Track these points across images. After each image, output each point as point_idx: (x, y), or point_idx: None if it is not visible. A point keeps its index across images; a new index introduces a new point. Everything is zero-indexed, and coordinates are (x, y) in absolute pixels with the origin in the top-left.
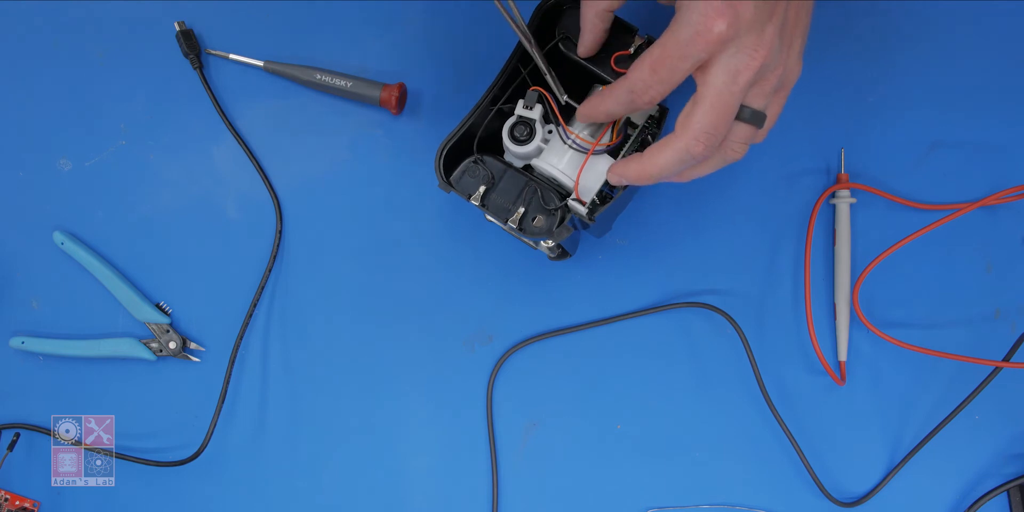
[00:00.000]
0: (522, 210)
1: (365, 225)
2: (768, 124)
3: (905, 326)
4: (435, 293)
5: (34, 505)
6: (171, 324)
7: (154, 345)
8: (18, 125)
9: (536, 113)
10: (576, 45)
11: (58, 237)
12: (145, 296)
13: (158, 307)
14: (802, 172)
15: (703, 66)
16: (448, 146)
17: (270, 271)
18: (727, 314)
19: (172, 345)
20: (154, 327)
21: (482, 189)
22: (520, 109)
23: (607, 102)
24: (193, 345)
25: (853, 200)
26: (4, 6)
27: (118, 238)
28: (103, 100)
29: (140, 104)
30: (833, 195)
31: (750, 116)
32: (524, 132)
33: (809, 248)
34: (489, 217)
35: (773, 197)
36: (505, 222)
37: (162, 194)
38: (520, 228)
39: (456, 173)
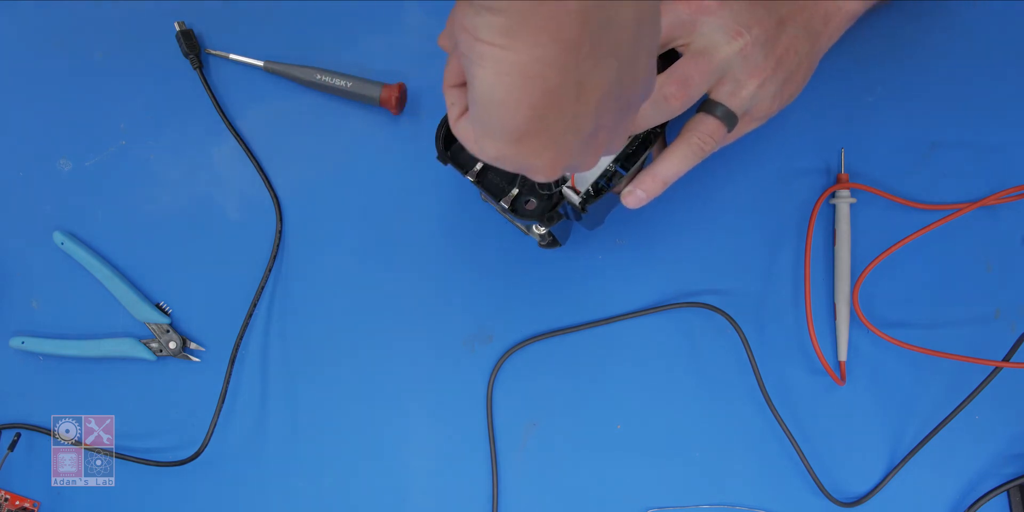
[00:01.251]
0: (516, 192)
1: (365, 225)
2: (729, 136)
3: (905, 326)
4: (435, 293)
5: (34, 505)
6: (171, 324)
7: (154, 345)
8: (18, 125)
9: None
10: None
11: (58, 237)
12: (145, 296)
13: (158, 307)
14: (802, 172)
15: (687, 37)
16: None
17: (270, 271)
18: (727, 314)
19: (172, 345)
20: (154, 327)
21: (479, 166)
22: None
23: None
24: (193, 345)
25: (853, 200)
26: (4, 6)
27: (118, 238)
28: (103, 100)
29: (140, 104)
30: (833, 195)
31: (722, 114)
32: None
33: (809, 248)
34: (484, 196)
35: (773, 197)
36: (498, 201)
37: (162, 194)
38: (512, 209)
39: (455, 147)
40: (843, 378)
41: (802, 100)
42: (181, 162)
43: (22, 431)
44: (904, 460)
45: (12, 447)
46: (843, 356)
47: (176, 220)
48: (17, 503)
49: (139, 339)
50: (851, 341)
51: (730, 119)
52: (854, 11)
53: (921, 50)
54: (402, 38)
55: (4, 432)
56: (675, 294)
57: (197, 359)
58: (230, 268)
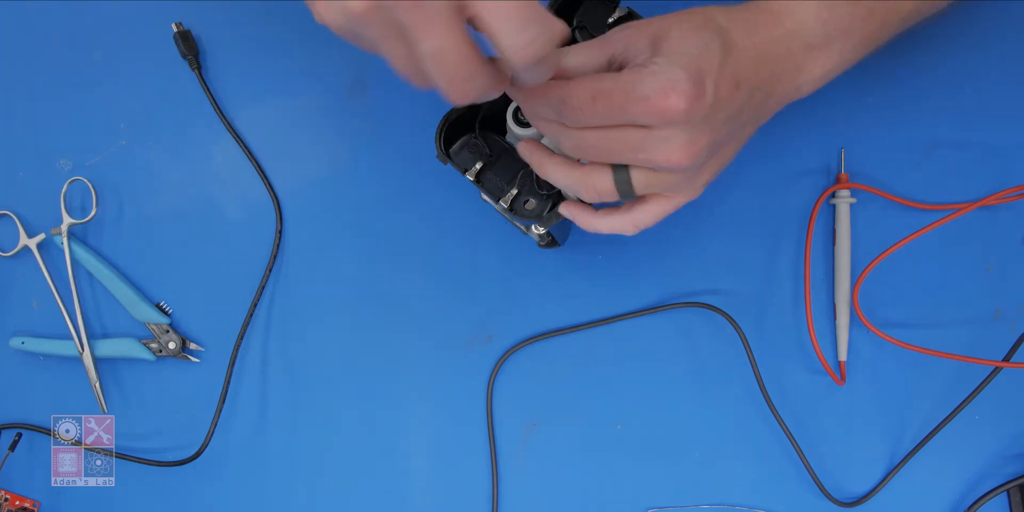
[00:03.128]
0: (515, 192)
1: (365, 225)
2: (640, 219)
3: (905, 326)
4: (435, 293)
5: (34, 505)
6: (171, 324)
7: (154, 345)
8: (18, 125)
9: None
10: (592, 36)
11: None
12: (145, 296)
13: (158, 307)
14: (802, 172)
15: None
16: (451, 120)
17: (270, 271)
18: (727, 314)
19: (172, 345)
20: (154, 327)
21: (479, 166)
22: None
23: (539, 99)
24: (193, 345)
25: (853, 200)
26: (4, 6)
27: (118, 238)
28: (103, 100)
29: (140, 104)
30: (833, 195)
31: (623, 182)
32: None
33: (809, 248)
34: (483, 196)
35: (773, 197)
36: (497, 201)
37: (162, 194)
38: (511, 209)
39: (455, 146)
40: (843, 378)
41: (802, 101)
42: (181, 162)
43: (22, 431)
44: (904, 460)
45: (12, 447)
46: (843, 356)
47: (176, 220)
48: (17, 503)
49: (139, 339)
50: (851, 341)
51: (623, 185)
52: (810, 88)
53: (921, 50)
54: None
55: (4, 432)
56: (675, 294)
57: (197, 359)
58: (230, 268)
